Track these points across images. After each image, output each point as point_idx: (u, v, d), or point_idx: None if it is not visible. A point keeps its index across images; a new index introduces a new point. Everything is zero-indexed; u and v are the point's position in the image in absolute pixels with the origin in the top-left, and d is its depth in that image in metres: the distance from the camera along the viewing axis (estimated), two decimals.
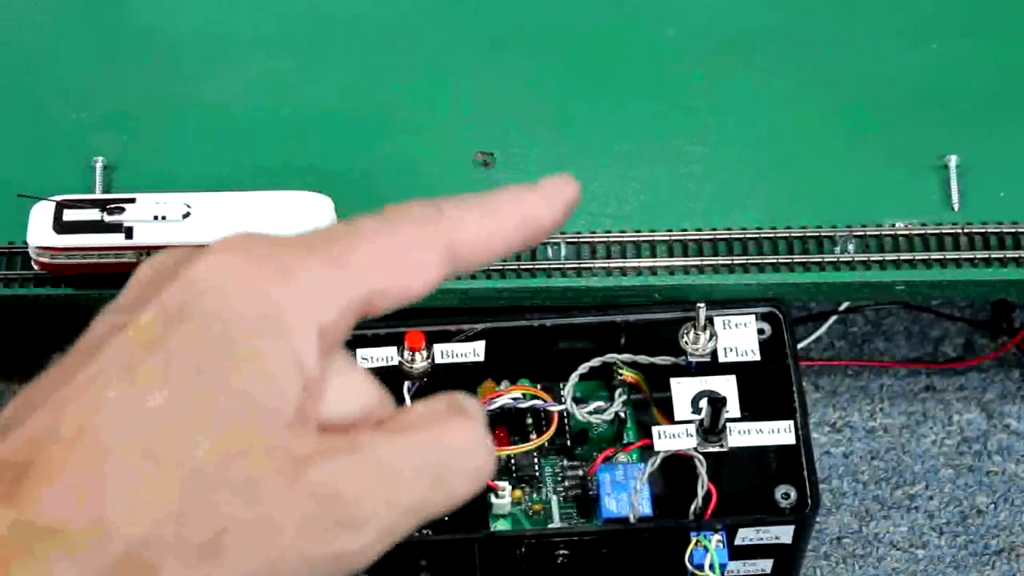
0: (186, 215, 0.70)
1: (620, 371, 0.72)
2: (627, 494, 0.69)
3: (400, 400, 0.70)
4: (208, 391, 0.36)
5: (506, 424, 0.72)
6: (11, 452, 0.36)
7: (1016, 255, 0.73)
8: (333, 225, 0.42)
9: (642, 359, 0.71)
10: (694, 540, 0.68)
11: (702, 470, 0.68)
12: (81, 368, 0.37)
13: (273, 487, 0.36)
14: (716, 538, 0.68)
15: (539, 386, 0.72)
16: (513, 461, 0.71)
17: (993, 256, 0.73)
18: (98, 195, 0.73)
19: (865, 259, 0.73)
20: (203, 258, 0.38)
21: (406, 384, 0.70)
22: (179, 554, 0.35)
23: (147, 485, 0.35)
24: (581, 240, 0.74)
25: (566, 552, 0.69)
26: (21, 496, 0.35)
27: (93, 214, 0.70)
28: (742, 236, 0.74)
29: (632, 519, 0.68)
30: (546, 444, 0.72)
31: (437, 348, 0.71)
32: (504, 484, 0.70)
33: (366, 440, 0.38)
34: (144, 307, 0.38)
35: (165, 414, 0.36)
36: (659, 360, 0.71)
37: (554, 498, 0.71)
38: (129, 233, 0.70)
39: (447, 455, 0.40)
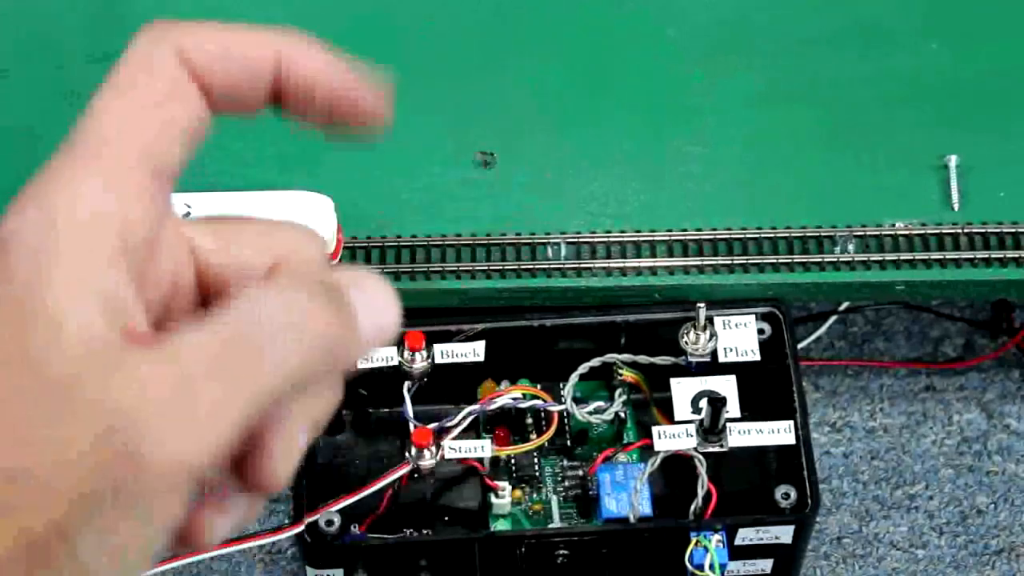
0: (186, 215, 0.70)
1: (620, 371, 0.72)
2: (627, 494, 0.69)
3: (400, 400, 0.70)
4: None
5: (506, 424, 0.72)
6: None
7: (1016, 255, 0.73)
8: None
9: (642, 359, 0.71)
10: (694, 540, 0.68)
11: (702, 470, 0.69)
12: None
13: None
14: (716, 538, 0.68)
15: (539, 386, 0.72)
16: (513, 461, 0.71)
17: (993, 256, 0.73)
18: None
19: (865, 259, 0.73)
20: None
21: (406, 384, 0.70)
22: None
23: None
24: (581, 240, 0.74)
25: (566, 552, 0.69)
26: None
27: None
28: (742, 236, 0.74)
29: (632, 519, 0.68)
30: (546, 444, 0.72)
31: (437, 348, 0.71)
32: (504, 484, 0.70)
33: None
34: None
35: None
36: (659, 360, 0.71)
37: (554, 498, 0.71)
38: None
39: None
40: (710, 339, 0.71)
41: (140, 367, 0.31)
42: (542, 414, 0.72)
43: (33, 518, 0.30)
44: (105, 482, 0.30)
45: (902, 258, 0.73)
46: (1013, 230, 0.74)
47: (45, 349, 0.31)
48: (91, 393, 0.31)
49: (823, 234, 0.74)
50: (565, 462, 0.72)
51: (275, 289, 0.35)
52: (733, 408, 0.70)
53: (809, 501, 0.69)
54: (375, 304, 0.36)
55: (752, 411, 0.70)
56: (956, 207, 0.74)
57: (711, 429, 0.69)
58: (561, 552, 0.69)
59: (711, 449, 0.69)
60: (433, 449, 0.69)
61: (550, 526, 0.70)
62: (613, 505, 0.69)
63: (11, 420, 0.30)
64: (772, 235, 0.74)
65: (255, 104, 0.38)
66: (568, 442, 0.72)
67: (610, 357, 0.71)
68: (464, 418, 0.70)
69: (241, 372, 0.32)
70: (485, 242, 0.73)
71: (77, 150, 0.36)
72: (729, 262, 0.73)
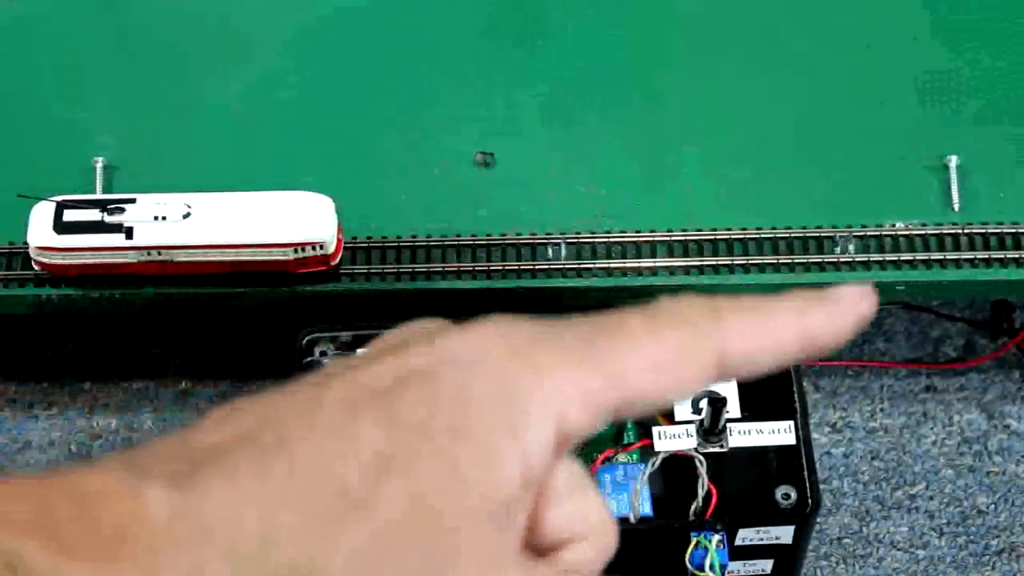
0: (186, 215, 0.70)
1: None
2: (627, 494, 0.69)
3: None
4: (421, 449, 0.34)
5: None
6: (199, 442, 0.34)
7: (1016, 255, 0.73)
8: (599, 319, 0.39)
9: None
10: (694, 540, 0.68)
11: (702, 470, 0.68)
12: (306, 397, 0.35)
13: (454, 566, 0.34)
14: (716, 538, 0.68)
15: None
16: None
17: (993, 256, 0.73)
18: (98, 195, 0.73)
19: (865, 259, 0.73)
20: (461, 333, 0.37)
21: None
22: None
23: (328, 517, 0.33)
24: (581, 240, 0.73)
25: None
26: (195, 485, 0.33)
27: (93, 214, 0.70)
28: (742, 236, 0.74)
29: (632, 519, 0.68)
30: None
31: None
32: None
33: None
34: (385, 358, 0.36)
35: (371, 458, 0.34)
36: None
37: None
38: (129, 233, 0.70)
39: None
40: None
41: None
42: None
43: None
44: None
45: (902, 258, 0.73)
46: (1013, 230, 0.74)
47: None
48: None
49: (823, 234, 0.74)
50: None
51: None
52: (733, 408, 0.70)
53: (809, 501, 0.69)
54: None
55: (752, 411, 0.70)
56: (956, 207, 0.74)
57: (711, 429, 0.69)
58: None
59: (711, 449, 0.69)
60: None
61: None
62: (613, 505, 0.69)
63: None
64: (772, 235, 0.74)
65: None
66: None
67: None
68: None
69: None
70: (485, 242, 0.73)
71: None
72: (729, 262, 0.73)
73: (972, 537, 0.77)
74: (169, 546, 0.32)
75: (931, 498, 0.78)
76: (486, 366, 0.36)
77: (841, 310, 0.39)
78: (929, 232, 0.74)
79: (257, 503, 0.33)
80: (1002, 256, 0.73)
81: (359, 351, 0.38)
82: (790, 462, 0.70)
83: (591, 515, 0.38)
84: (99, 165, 0.75)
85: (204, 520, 0.33)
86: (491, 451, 0.35)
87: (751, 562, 0.71)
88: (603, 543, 0.38)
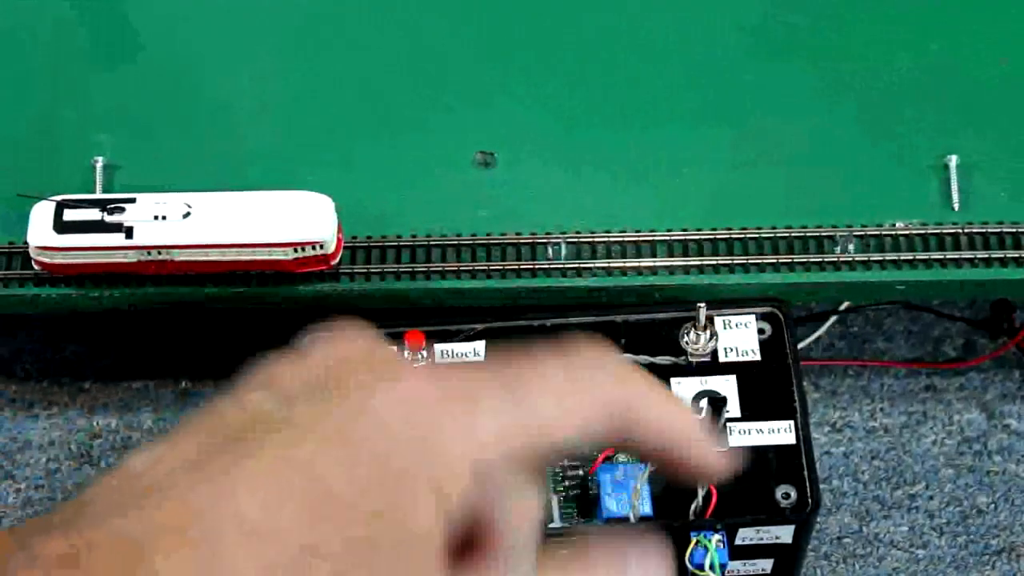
0: (186, 215, 0.70)
1: None
2: (627, 494, 0.69)
3: None
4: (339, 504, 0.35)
5: None
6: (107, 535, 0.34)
7: (1016, 255, 0.73)
8: (515, 364, 0.40)
9: (642, 359, 0.71)
10: (694, 540, 0.68)
11: None
12: (213, 455, 0.35)
13: None
14: (716, 538, 0.68)
15: None
16: None
17: (993, 256, 0.73)
18: (98, 195, 0.73)
19: (865, 259, 0.73)
20: (385, 390, 0.37)
21: None
22: None
23: None
24: (581, 240, 0.74)
25: (566, 552, 0.69)
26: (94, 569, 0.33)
27: (93, 214, 0.70)
28: (742, 236, 0.74)
29: (632, 519, 0.68)
30: None
31: (437, 348, 0.71)
32: None
33: None
34: (299, 404, 0.37)
35: (277, 526, 0.34)
36: (659, 360, 0.71)
37: (554, 498, 0.71)
38: (129, 233, 0.70)
39: None
40: (710, 339, 0.71)
41: None
42: None
43: None
44: None
45: (902, 258, 0.73)
46: (1013, 230, 0.74)
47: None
48: None
49: (823, 234, 0.74)
50: (565, 462, 0.72)
51: None
52: (733, 408, 0.70)
53: (809, 501, 0.69)
54: None
55: (752, 411, 0.70)
56: (956, 207, 0.74)
57: (711, 429, 0.69)
58: (561, 552, 0.69)
59: None
60: None
61: (550, 526, 0.70)
62: (613, 505, 0.69)
63: None
64: (772, 235, 0.74)
65: None
66: None
67: None
68: None
69: None
70: (485, 242, 0.73)
71: None
72: (729, 262, 0.73)
73: (972, 537, 0.77)
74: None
75: (931, 498, 0.78)
76: (408, 421, 0.37)
77: (711, 468, 0.41)
78: (929, 232, 0.74)
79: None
80: (1002, 256, 0.73)
81: (265, 373, 0.38)
82: (790, 462, 0.70)
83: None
84: (99, 165, 0.75)
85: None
86: (409, 497, 0.36)
87: (751, 562, 0.71)
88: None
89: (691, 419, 0.42)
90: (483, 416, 0.38)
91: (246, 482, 0.35)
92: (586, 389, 0.39)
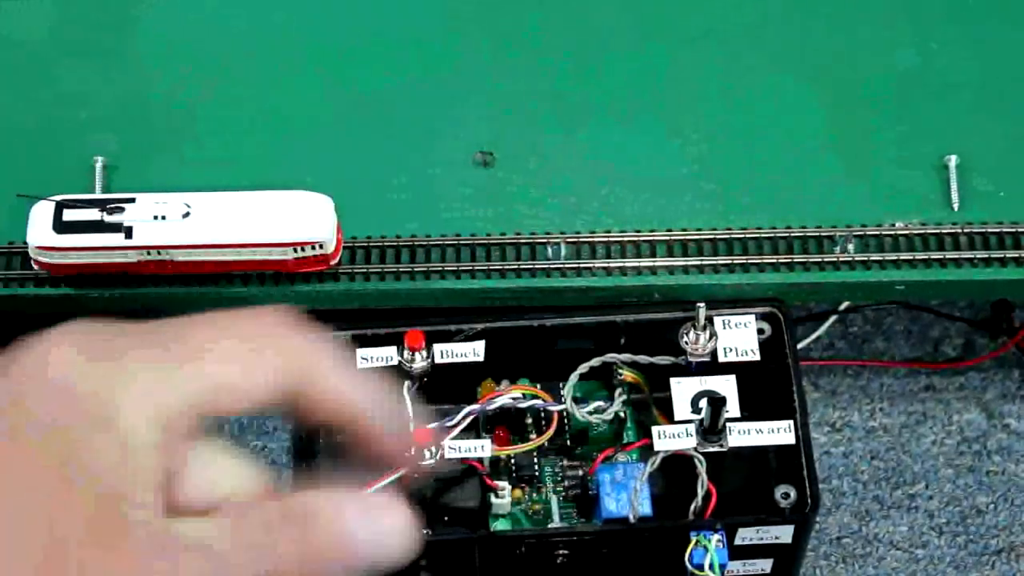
0: (186, 215, 0.70)
1: (620, 371, 0.72)
2: (627, 494, 0.69)
3: (400, 401, 0.70)
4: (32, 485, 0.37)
5: (506, 424, 0.72)
6: None
7: (1016, 255, 0.73)
8: (174, 320, 0.42)
9: (642, 359, 0.71)
10: (694, 540, 0.68)
11: (702, 470, 0.68)
12: None
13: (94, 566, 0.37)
14: (716, 538, 0.68)
15: (539, 386, 0.72)
16: (513, 461, 0.71)
17: (993, 256, 0.73)
18: (98, 195, 0.73)
19: (865, 259, 0.73)
20: (33, 353, 0.39)
21: (406, 384, 0.70)
22: None
23: None
24: (581, 240, 0.74)
25: (566, 552, 0.69)
26: None
27: (93, 214, 0.70)
28: (742, 236, 0.74)
29: (632, 519, 0.68)
30: (546, 444, 0.72)
31: (437, 348, 0.71)
32: (504, 484, 0.70)
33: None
34: None
35: None
36: (659, 360, 0.71)
37: (554, 498, 0.71)
38: (129, 233, 0.70)
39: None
40: (710, 339, 0.71)
41: None
42: (542, 414, 0.72)
43: None
44: None
45: (902, 258, 0.73)
46: (1013, 230, 0.74)
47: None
48: None
49: (823, 234, 0.74)
50: (565, 462, 0.72)
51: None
52: (733, 408, 0.70)
53: (809, 501, 0.69)
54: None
55: (752, 411, 0.70)
56: (956, 207, 0.75)
57: (711, 429, 0.69)
58: (561, 552, 0.69)
59: (711, 449, 0.69)
60: (433, 449, 0.69)
61: (550, 526, 0.70)
62: (613, 505, 0.69)
63: None
64: (772, 235, 0.74)
65: None
66: (568, 442, 0.72)
67: (610, 357, 0.71)
68: (464, 418, 0.70)
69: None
70: (485, 242, 0.73)
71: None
72: (729, 262, 0.73)
73: (972, 537, 0.77)
74: None
75: (931, 498, 0.78)
76: (67, 381, 0.38)
77: (390, 446, 0.44)
78: (929, 232, 0.74)
79: None
80: (1001, 256, 0.73)
81: None
82: (790, 462, 0.70)
83: (223, 484, 0.41)
84: (99, 165, 0.75)
85: None
86: (102, 462, 0.38)
87: (751, 562, 0.71)
88: (238, 511, 0.41)
89: (371, 396, 0.43)
90: (142, 375, 0.39)
91: None
92: (257, 354, 0.40)
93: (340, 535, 0.40)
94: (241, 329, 0.41)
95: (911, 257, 0.73)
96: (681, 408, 0.70)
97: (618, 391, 0.72)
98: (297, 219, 0.70)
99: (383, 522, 0.41)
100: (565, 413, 0.71)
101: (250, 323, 0.41)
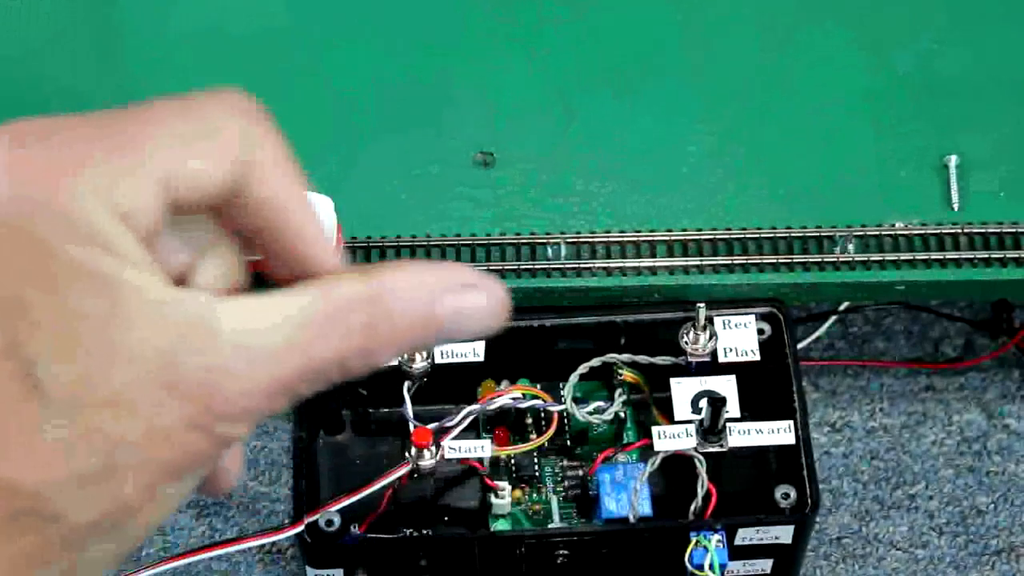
0: None
1: (620, 371, 0.72)
2: (627, 494, 0.69)
3: (400, 400, 0.70)
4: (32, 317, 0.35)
5: (506, 424, 0.72)
6: None
7: (1016, 255, 0.73)
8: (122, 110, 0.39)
9: (642, 359, 0.71)
10: (694, 540, 0.68)
11: (702, 470, 0.69)
12: None
13: (142, 388, 0.35)
14: (716, 538, 0.68)
15: (539, 386, 0.72)
16: (513, 461, 0.71)
17: (993, 256, 0.73)
18: None
19: (865, 259, 0.73)
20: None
21: (406, 384, 0.70)
22: (76, 493, 0.34)
23: (25, 427, 0.34)
24: (581, 240, 0.74)
25: (566, 552, 0.69)
26: None
27: None
28: (742, 236, 0.74)
29: (632, 519, 0.68)
30: (546, 444, 0.72)
31: (437, 348, 0.71)
32: (504, 484, 0.70)
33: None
34: None
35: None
36: (659, 360, 0.71)
37: (554, 498, 0.71)
38: None
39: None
40: (710, 339, 0.71)
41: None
42: (542, 414, 0.72)
43: None
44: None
45: (902, 258, 0.73)
46: (1013, 230, 0.74)
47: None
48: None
49: (823, 234, 0.74)
50: (565, 462, 0.72)
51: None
52: (733, 408, 0.70)
53: (809, 501, 0.69)
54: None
55: (752, 411, 0.70)
56: (956, 207, 0.75)
57: (711, 429, 0.69)
58: (561, 552, 0.69)
59: (711, 449, 0.69)
60: (433, 449, 0.69)
61: (550, 526, 0.70)
62: (613, 505, 0.69)
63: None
64: (772, 235, 0.74)
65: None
66: (568, 442, 0.72)
67: (610, 357, 0.71)
68: (464, 418, 0.70)
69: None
70: (485, 242, 0.73)
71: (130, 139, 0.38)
72: (729, 262, 0.73)
73: (972, 537, 0.77)
74: None
75: (931, 498, 0.78)
76: (23, 189, 0.35)
77: (315, 261, 0.42)
78: (929, 232, 0.74)
79: None
80: (1001, 256, 0.73)
81: None
82: (790, 462, 0.70)
83: (201, 239, 0.40)
84: None
85: None
86: (89, 274, 0.35)
87: (751, 562, 0.71)
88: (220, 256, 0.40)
89: (306, 205, 0.41)
90: (90, 169, 0.36)
91: None
92: (209, 138, 0.38)
93: (423, 316, 0.39)
94: (197, 112, 0.38)
95: (911, 257, 0.73)
96: (681, 408, 0.70)
97: (618, 391, 0.72)
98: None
99: (467, 300, 0.41)
100: (565, 413, 0.71)
101: (206, 106, 0.38)
